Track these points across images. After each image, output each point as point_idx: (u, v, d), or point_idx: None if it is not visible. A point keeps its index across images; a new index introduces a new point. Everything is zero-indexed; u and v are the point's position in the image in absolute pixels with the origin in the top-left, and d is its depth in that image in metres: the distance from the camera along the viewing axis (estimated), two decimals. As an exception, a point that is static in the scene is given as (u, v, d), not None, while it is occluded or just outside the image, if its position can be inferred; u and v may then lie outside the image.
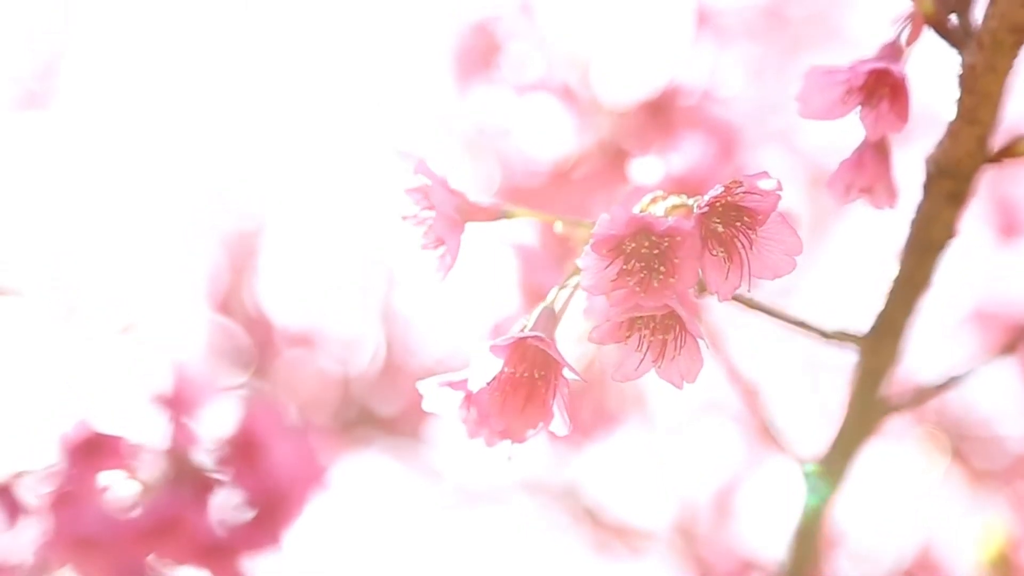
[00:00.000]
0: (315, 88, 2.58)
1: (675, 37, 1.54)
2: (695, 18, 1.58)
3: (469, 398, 0.87)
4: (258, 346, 2.53)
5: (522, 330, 0.86)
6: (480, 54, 1.55)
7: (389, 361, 2.54)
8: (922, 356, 1.76)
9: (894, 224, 1.00)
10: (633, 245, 0.82)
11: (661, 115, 1.47)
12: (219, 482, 1.32)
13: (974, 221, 1.71)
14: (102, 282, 2.40)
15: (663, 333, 0.83)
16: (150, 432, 1.34)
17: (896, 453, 1.97)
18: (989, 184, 1.68)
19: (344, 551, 2.55)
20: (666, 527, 2.37)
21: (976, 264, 1.79)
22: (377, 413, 2.55)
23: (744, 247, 0.82)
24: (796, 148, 2.50)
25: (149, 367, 1.40)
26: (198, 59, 2.65)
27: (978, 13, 0.90)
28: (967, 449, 1.99)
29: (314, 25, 2.64)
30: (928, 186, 0.95)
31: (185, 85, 2.64)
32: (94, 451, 1.29)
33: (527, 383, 0.85)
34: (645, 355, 0.83)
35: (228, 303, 2.58)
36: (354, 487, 2.44)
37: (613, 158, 1.47)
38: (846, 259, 2.51)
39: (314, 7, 2.65)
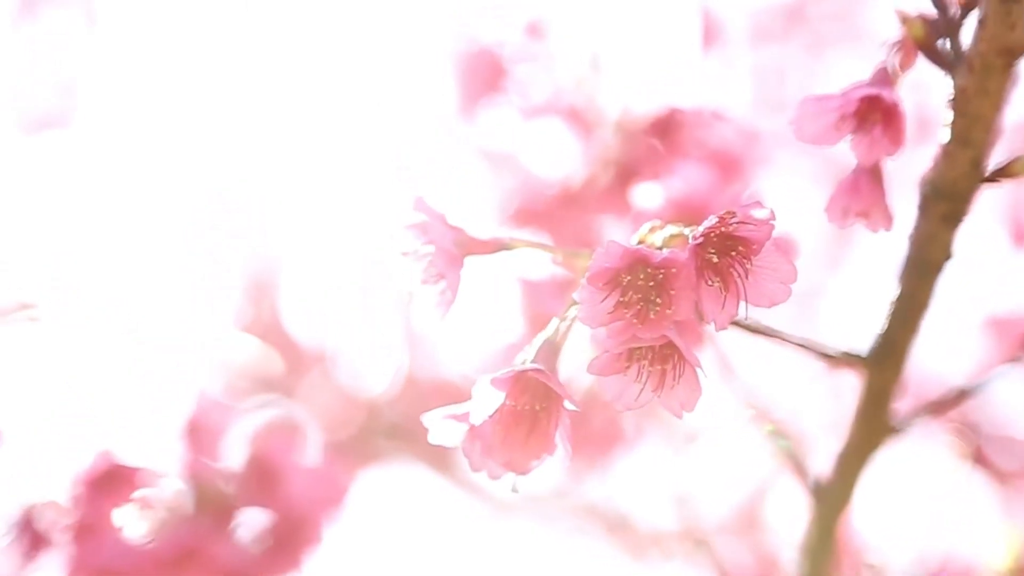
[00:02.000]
0: (324, 110, 2.59)
1: (682, 57, 1.55)
2: (703, 36, 1.59)
3: (473, 431, 0.88)
4: (283, 364, 2.54)
5: (523, 363, 0.87)
6: (486, 77, 1.56)
7: (414, 374, 2.56)
8: (936, 364, 1.77)
9: (893, 244, 1.01)
10: (629, 277, 0.83)
11: (668, 136, 1.48)
12: (239, 509, 1.34)
13: (987, 228, 1.71)
14: (124, 302, 2.42)
15: (661, 363, 0.84)
16: (170, 460, 1.35)
17: (917, 456, 1.97)
18: (1003, 191, 1.68)
19: (373, 566, 2.56)
20: (691, 533, 2.38)
21: (989, 271, 1.79)
22: (405, 427, 2.56)
23: (740, 276, 0.83)
24: (817, 149, 2.49)
25: (170, 394, 1.41)
26: (217, 79, 2.67)
27: (967, 37, 0.90)
28: (990, 451, 1.99)
29: (321, 48, 2.66)
30: (924, 208, 0.95)
31: (208, 105, 2.66)
32: (114, 482, 1.31)
33: (529, 415, 0.87)
34: (644, 385, 0.84)
35: (252, 322, 2.59)
36: (382, 501, 2.46)
37: (620, 180, 1.48)
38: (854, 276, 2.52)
39: (320, 31, 2.67)
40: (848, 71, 2.73)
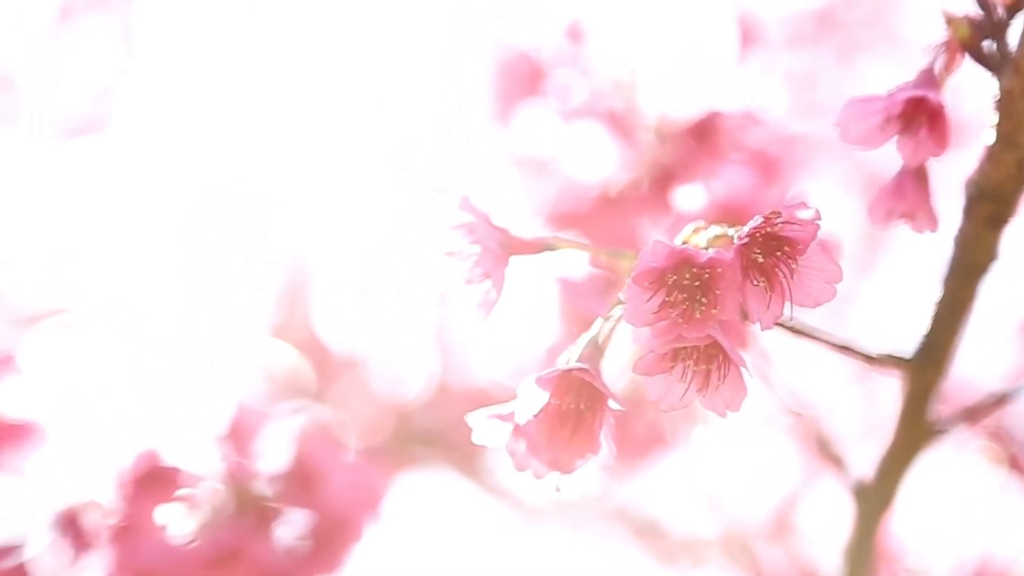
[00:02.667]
0: (361, 115, 2.60)
1: (720, 60, 1.55)
2: (741, 38, 1.59)
3: (518, 430, 0.89)
4: (316, 370, 2.55)
5: (567, 362, 0.88)
6: (525, 81, 1.56)
7: (446, 380, 2.56)
8: (973, 368, 1.76)
9: (938, 246, 1.01)
10: (675, 277, 0.83)
11: (707, 139, 1.48)
12: (279, 511, 1.34)
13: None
14: (159, 308, 2.43)
15: (706, 363, 0.84)
16: (211, 462, 1.36)
17: (953, 463, 1.97)
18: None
19: (406, 568, 2.57)
20: (726, 539, 2.37)
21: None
22: (436, 432, 2.56)
23: (785, 276, 0.84)
24: (851, 153, 2.50)
25: (210, 398, 1.42)
26: (254, 86, 2.69)
27: (1013, 38, 0.90)
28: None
29: (359, 52, 2.67)
30: (969, 210, 0.95)
31: (247, 112, 2.67)
32: (157, 482, 1.31)
33: (574, 415, 0.87)
34: (689, 385, 0.85)
35: (285, 328, 2.60)
36: (415, 506, 2.46)
37: (659, 183, 1.48)
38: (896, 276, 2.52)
39: (358, 34, 2.68)
40: (881, 76, 2.74)
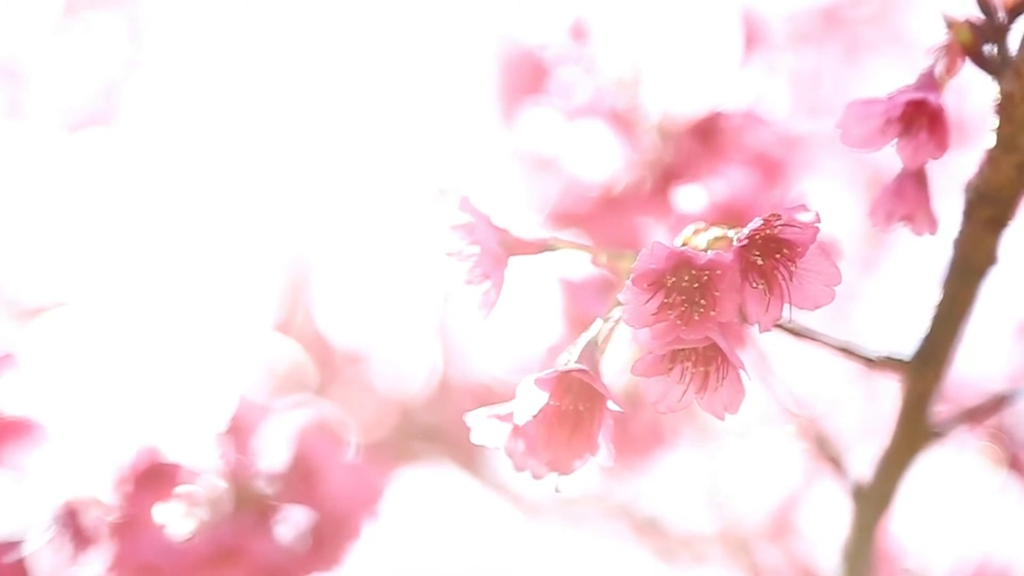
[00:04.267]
0: (364, 112, 2.60)
1: (724, 59, 1.55)
2: (745, 38, 1.58)
3: (516, 430, 0.89)
4: (317, 365, 2.56)
5: (566, 363, 0.88)
6: (529, 79, 1.56)
7: (446, 375, 2.57)
8: (973, 368, 1.76)
9: (937, 249, 1.01)
10: (674, 279, 0.83)
11: (709, 139, 1.48)
12: (279, 508, 1.34)
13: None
14: (160, 302, 2.44)
15: (705, 365, 0.85)
16: (211, 459, 1.36)
17: (952, 464, 1.97)
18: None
19: (406, 564, 2.57)
20: (725, 537, 2.38)
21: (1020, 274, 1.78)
22: (436, 428, 2.57)
23: (784, 279, 0.84)
24: (852, 153, 2.49)
25: (211, 394, 1.42)
26: (254, 81, 2.69)
27: (1014, 42, 0.90)
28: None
29: (362, 49, 2.67)
30: (969, 213, 0.95)
31: (249, 108, 2.67)
32: (157, 478, 1.32)
33: (572, 415, 0.87)
34: (688, 387, 0.85)
35: (287, 323, 2.61)
36: (415, 501, 2.47)
37: (661, 182, 1.48)
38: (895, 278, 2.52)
39: (363, 31, 2.68)
40: (885, 75, 2.74)
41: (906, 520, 1.90)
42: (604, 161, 1.51)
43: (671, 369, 0.85)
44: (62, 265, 2.46)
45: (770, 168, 1.42)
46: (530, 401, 0.85)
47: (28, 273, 2.43)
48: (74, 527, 1.32)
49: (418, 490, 2.54)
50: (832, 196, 2.57)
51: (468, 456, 2.55)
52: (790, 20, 2.78)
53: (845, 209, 2.60)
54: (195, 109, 2.64)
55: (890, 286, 2.56)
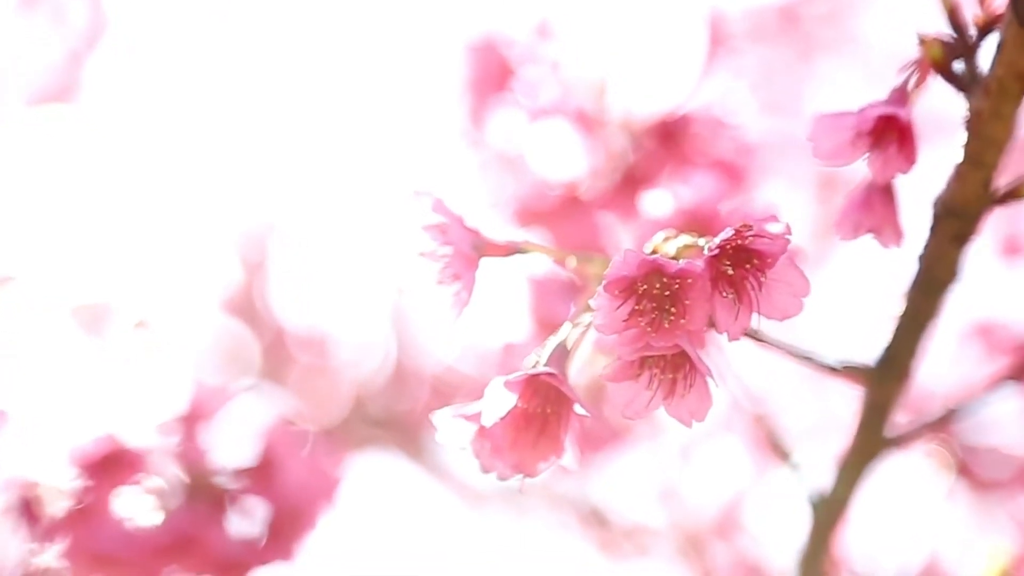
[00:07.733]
0: (326, 104, 2.60)
1: (689, 60, 1.56)
2: (710, 39, 1.59)
3: (482, 431, 0.89)
4: (269, 350, 2.55)
5: (535, 366, 0.88)
6: (494, 77, 1.56)
7: (400, 364, 2.57)
8: (929, 374, 1.78)
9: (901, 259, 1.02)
10: (645, 286, 0.84)
11: (673, 140, 1.49)
12: (234, 497, 1.34)
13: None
14: (114, 283, 2.42)
15: (673, 372, 0.85)
16: (167, 446, 1.36)
17: (901, 467, 1.99)
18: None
19: (354, 552, 2.57)
20: (673, 530, 2.39)
21: (979, 282, 1.80)
22: (387, 415, 2.57)
23: (753, 288, 0.85)
24: (807, 152, 2.50)
25: (166, 379, 1.41)
26: (217, 62, 2.67)
27: (984, 59, 0.92)
28: (973, 462, 2.00)
29: (327, 47, 2.66)
30: (934, 227, 0.97)
31: (207, 90, 2.66)
32: (113, 466, 1.31)
33: (539, 418, 0.88)
34: (655, 393, 0.85)
35: (239, 306, 2.60)
36: (364, 488, 2.46)
37: (625, 182, 1.49)
38: (851, 283, 2.53)
39: (328, 30, 2.67)
40: (836, 75, 2.75)
41: (854, 523, 1.92)
42: (568, 160, 1.51)
43: (639, 375, 0.85)
44: (13, 241, 2.43)
45: (732, 172, 1.43)
46: (498, 402, 0.86)
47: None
48: (30, 515, 1.30)
49: (365, 477, 2.54)
50: (786, 197, 2.59)
51: (414, 443, 2.56)
52: (747, 17, 2.79)
53: (797, 209, 2.62)
54: (157, 85, 2.63)
55: (835, 284, 2.58)
